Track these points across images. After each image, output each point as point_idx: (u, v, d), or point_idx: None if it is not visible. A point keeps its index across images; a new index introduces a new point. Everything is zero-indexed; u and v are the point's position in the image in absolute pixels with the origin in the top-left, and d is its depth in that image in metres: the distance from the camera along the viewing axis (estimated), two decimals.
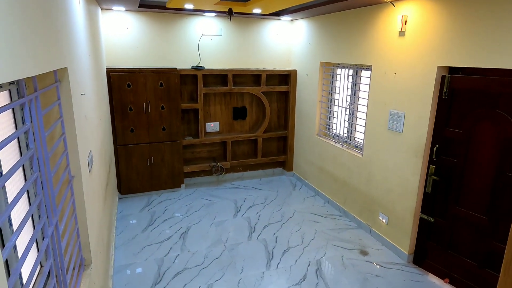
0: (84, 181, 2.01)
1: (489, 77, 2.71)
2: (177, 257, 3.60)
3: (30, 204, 1.66)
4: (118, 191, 5.01)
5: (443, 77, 3.05)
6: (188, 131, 5.45)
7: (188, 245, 3.82)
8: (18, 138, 1.53)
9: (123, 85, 4.62)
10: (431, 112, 3.16)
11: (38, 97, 1.29)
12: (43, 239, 1.77)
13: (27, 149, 1.55)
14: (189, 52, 5.15)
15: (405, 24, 3.35)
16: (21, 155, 1.53)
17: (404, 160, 3.50)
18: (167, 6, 4.32)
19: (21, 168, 1.51)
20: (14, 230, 1.12)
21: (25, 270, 1.49)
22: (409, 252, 3.54)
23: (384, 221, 3.83)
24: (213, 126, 5.53)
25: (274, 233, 4.10)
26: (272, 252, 3.72)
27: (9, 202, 1.26)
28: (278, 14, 4.99)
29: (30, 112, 1.23)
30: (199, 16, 5.06)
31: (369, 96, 3.97)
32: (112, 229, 3.77)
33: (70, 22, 1.95)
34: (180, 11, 4.69)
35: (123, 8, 4.49)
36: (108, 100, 4.61)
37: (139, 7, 4.36)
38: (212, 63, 5.31)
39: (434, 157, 3.20)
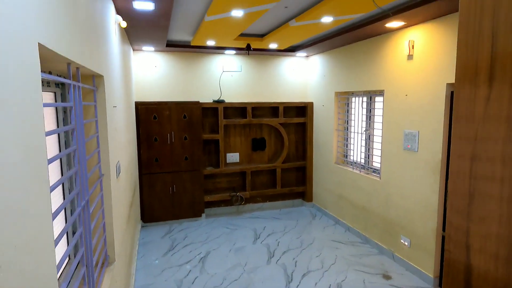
0: (112, 183, 2.18)
1: None
2: (196, 278, 3.60)
3: (64, 198, 1.83)
4: (141, 219, 5.14)
5: (452, 93, 3.15)
6: (209, 161, 5.64)
7: (207, 268, 3.82)
8: (58, 135, 1.75)
9: (150, 117, 4.96)
10: (444, 128, 3.22)
11: (80, 90, 1.51)
12: (73, 234, 1.92)
13: (65, 144, 1.76)
14: (211, 86, 5.52)
15: (413, 48, 3.55)
16: (59, 147, 1.74)
17: (422, 179, 3.49)
18: (191, 44, 4.76)
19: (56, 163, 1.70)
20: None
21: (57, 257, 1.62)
22: (434, 275, 3.40)
23: (406, 244, 3.73)
24: (233, 157, 5.71)
25: (294, 258, 4.04)
26: (292, 275, 3.66)
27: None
28: (293, 50, 5.35)
29: (74, 111, 1.44)
30: (220, 55, 5.48)
31: (383, 119, 4.08)
32: (134, 251, 3.86)
33: (108, 42, 2.27)
34: (203, 49, 5.13)
35: (152, 48, 4.97)
36: (136, 133, 4.93)
37: (166, 46, 4.82)
38: (232, 97, 5.63)
39: None
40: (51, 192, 1.00)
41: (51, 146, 1.65)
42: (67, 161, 1.78)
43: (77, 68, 1.46)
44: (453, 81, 3.10)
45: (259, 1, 2.73)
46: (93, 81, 1.87)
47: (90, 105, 1.89)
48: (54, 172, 1.65)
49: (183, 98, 5.40)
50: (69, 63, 1.30)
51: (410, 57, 3.61)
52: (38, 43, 0.90)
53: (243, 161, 5.81)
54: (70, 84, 1.34)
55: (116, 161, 2.44)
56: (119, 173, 2.52)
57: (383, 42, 4.01)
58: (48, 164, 1.01)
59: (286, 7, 3.22)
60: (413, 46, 3.55)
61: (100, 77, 1.97)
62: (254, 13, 3.05)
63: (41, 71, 0.94)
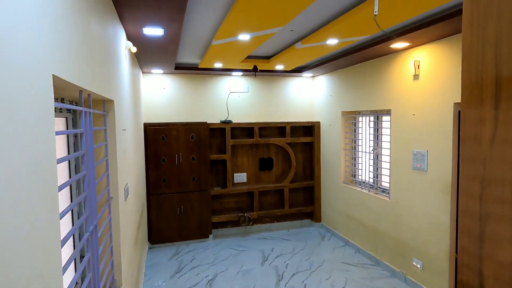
0: (121, 205, 2.19)
1: None
2: None
3: (72, 222, 1.84)
4: (148, 240, 5.12)
5: (459, 112, 3.14)
6: (216, 181, 5.64)
7: None
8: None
9: (158, 138, 5.02)
10: (453, 147, 3.19)
11: (91, 116, 1.55)
12: (80, 259, 1.91)
13: (76, 169, 1.78)
14: (218, 107, 5.58)
15: (418, 68, 3.57)
16: (70, 170, 1.77)
17: (433, 199, 3.44)
18: (199, 67, 4.86)
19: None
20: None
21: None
22: None
23: (418, 266, 3.63)
24: (240, 177, 5.71)
25: (303, 281, 3.96)
26: None
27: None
28: (299, 71, 5.42)
29: (85, 137, 1.47)
30: (227, 76, 5.58)
31: (391, 139, 4.06)
32: (140, 274, 3.82)
33: (118, 68, 2.33)
34: (211, 71, 5.23)
35: (161, 71, 5.08)
36: (144, 153, 4.98)
37: (174, 69, 4.93)
38: (240, 117, 5.68)
39: None
40: (60, 218, 1.01)
41: (62, 170, 1.68)
42: (76, 184, 1.81)
43: (89, 94, 1.50)
44: (460, 100, 3.09)
45: (265, 25, 2.80)
46: (103, 106, 1.91)
47: (100, 129, 1.93)
48: (63, 196, 1.67)
49: (191, 119, 5.47)
50: (81, 90, 1.34)
51: (416, 77, 3.62)
52: (53, 74, 0.94)
53: (250, 181, 5.80)
54: (81, 111, 1.37)
55: (125, 184, 2.46)
56: (127, 196, 2.53)
57: (388, 62, 4.04)
58: (59, 191, 1.03)
59: (291, 30, 3.29)
60: (418, 66, 3.57)
61: (111, 102, 2.01)
62: (260, 36, 3.12)
63: (54, 99, 0.97)
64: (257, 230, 5.76)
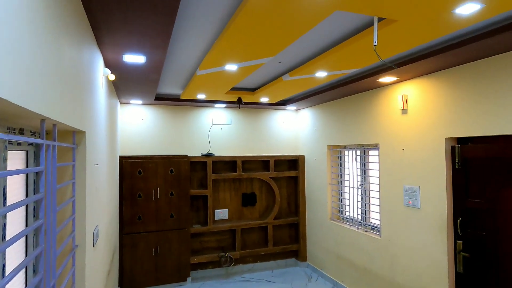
0: (88, 255, 1.87)
1: (502, 143, 2.71)
2: None
3: (26, 284, 1.51)
4: (119, 286, 4.61)
5: (452, 148, 3.06)
6: (197, 218, 5.29)
7: None
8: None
9: (135, 172, 4.68)
10: (447, 183, 3.08)
11: (55, 150, 1.29)
12: None
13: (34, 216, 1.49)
14: (200, 140, 5.35)
15: (406, 102, 3.53)
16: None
17: (429, 238, 3.27)
18: (181, 98, 4.67)
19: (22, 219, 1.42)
20: None
21: None
22: None
23: None
24: (222, 213, 5.39)
25: None
26: None
27: (6, 274, 1.15)
28: (283, 104, 5.33)
29: (45, 176, 1.21)
30: (210, 108, 5.41)
31: (380, 174, 3.94)
32: None
33: (93, 96, 2.09)
34: (192, 103, 5.04)
35: (140, 102, 4.85)
36: (118, 189, 4.62)
37: (154, 99, 4.72)
38: (222, 150, 5.46)
39: (459, 232, 2.99)
40: (7, 282, 0.74)
41: (18, 217, 1.38)
42: (34, 233, 1.50)
43: (54, 124, 1.26)
44: (451, 135, 3.02)
45: (254, 56, 2.67)
46: (73, 138, 1.65)
47: (67, 165, 1.65)
48: (17, 252, 1.36)
49: (170, 152, 5.19)
50: (43, 119, 1.10)
51: (404, 111, 3.57)
52: None
53: (232, 218, 5.48)
54: (42, 144, 1.12)
55: (94, 227, 2.14)
56: (96, 240, 2.20)
57: (375, 96, 4.00)
58: (5, 248, 0.76)
59: (280, 62, 3.20)
60: (406, 100, 3.53)
61: (82, 133, 1.76)
62: (248, 67, 2.99)
63: (8, 128, 0.73)
64: (240, 271, 5.37)
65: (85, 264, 1.79)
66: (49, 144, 1.20)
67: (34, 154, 1.56)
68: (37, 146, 1.53)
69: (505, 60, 2.59)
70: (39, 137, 1.47)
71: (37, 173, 1.54)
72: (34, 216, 1.51)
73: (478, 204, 2.87)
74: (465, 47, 2.48)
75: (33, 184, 1.55)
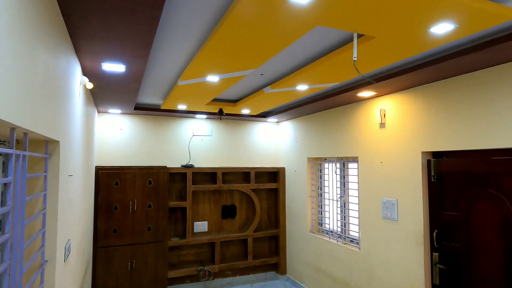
0: (58, 270, 1.77)
1: (473, 158, 2.81)
2: None
3: None
4: None
5: (428, 161, 3.15)
6: (175, 231, 5.17)
7: None
8: None
9: (111, 183, 4.55)
10: (423, 196, 3.15)
11: (25, 160, 1.23)
12: None
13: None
14: (180, 151, 5.28)
15: (384, 116, 3.61)
16: None
17: (406, 250, 3.31)
18: (161, 108, 4.60)
19: None
20: None
21: None
22: None
23: None
24: (201, 226, 5.29)
25: None
26: None
27: None
28: (264, 116, 5.36)
29: (13, 188, 1.15)
30: (191, 118, 5.36)
31: (359, 187, 3.99)
32: None
33: (69, 105, 2.03)
34: (173, 113, 4.98)
35: (118, 111, 4.75)
36: (93, 200, 4.46)
37: (134, 109, 4.63)
38: (202, 162, 5.40)
39: (435, 244, 3.05)
40: None
41: None
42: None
43: (25, 133, 1.20)
44: (427, 149, 3.11)
45: (236, 68, 2.68)
46: (46, 147, 1.59)
47: (39, 176, 1.58)
48: None
49: (149, 163, 5.08)
50: (13, 128, 1.04)
51: (382, 125, 3.66)
52: None
53: (212, 230, 5.39)
54: (12, 154, 1.06)
55: (66, 240, 2.04)
56: (68, 255, 2.10)
57: (355, 110, 4.08)
58: None
59: (262, 74, 3.22)
60: (384, 114, 3.62)
61: (55, 142, 1.69)
62: (230, 78, 2.99)
63: None
64: (219, 285, 5.25)
65: (54, 281, 1.69)
66: (19, 154, 1.14)
67: (3, 164, 1.48)
68: (6, 156, 1.45)
69: (476, 78, 2.71)
70: (9, 146, 1.39)
71: (4, 184, 1.46)
72: (0, 230, 1.42)
73: (452, 216, 2.94)
74: (439, 65, 2.58)
75: (0, 195, 1.47)
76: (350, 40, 2.36)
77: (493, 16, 1.78)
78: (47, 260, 1.64)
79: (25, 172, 1.20)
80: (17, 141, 1.54)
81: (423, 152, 3.18)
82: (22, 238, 1.21)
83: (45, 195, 1.60)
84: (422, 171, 3.17)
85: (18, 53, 1.00)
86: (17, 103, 1.00)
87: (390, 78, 3.00)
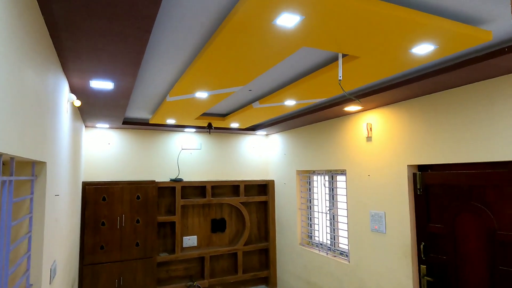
0: None
1: (457, 171, 2.88)
2: None
3: None
4: None
5: (414, 174, 3.21)
6: (164, 246, 5.10)
7: None
8: None
9: (99, 198, 4.48)
10: (410, 209, 3.20)
11: (12, 185, 1.22)
12: None
13: None
14: (169, 165, 5.25)
15: (371, 130, 3.68)
16: None
17: (394, 263, 3.34)
18: (150, 122, 4.59)
19: None
20: None
21: None
22: None
23: None
24: (190, 240, 5.24)
25: None
26: None
27: None
28: (253, 129, 5.39)
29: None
30: (180, 132, 5.36)
31: (347, 199, 4.03)
32: None
33: (57, 124, 2.02)
34: (161, 127, 4.97)
35: (106, 125, 4.71)
36: (80, 216, 4.39)
37: (122, 123, 4.61)
38: (191, 175, 5.38)
39: (423, 256, 3.09)
40: None
41: None
42: None
43: (12, 158, 1.20)
44: (413, 163, 3.18)
45: (225, 84, 2.71)
46: (32, 169, 1.57)
47: (24, 199, 1.56)
48: None
49: (137, 177, 5.04)
50: (0, 154, 1.04)
51: (369, 138, 3.72)
52: None
53: (201, 245, 5.34)
54: None
55: (52, 262, 2.01)
56: (53, 277, 2.06)
57: (342, 124, 4.15)
58: None
59: (250, 90, 3.26)
60: (371, 128, 3.69)
61: (42, 163, 1.68)
62: (219, 95, 3.02)
63: None
64: None
65: None
66: (5, 180, 1.13)
67: None
68: None
69: (458, 94, 2.80)
70: None
71: None
72: None
73: (438, 229, 2.99)
74: (422, 82, 2.66)
75: None
76: (336, 58, 2.43)
77: (470, 38, 1.86)
78: (31, 284, 1.61)
79: (11, 197, 1.19)
80: (3, 164, 1.52)
81: (408, 166, 3.25)
82: (7, 265, 1.19)
83: (31, 218, 1.58)
84: (408, 184, 3.23)
85: (5, 77, 1.00)
86: (5, 129, 1.00)
87: (374, 94, 3.07)
